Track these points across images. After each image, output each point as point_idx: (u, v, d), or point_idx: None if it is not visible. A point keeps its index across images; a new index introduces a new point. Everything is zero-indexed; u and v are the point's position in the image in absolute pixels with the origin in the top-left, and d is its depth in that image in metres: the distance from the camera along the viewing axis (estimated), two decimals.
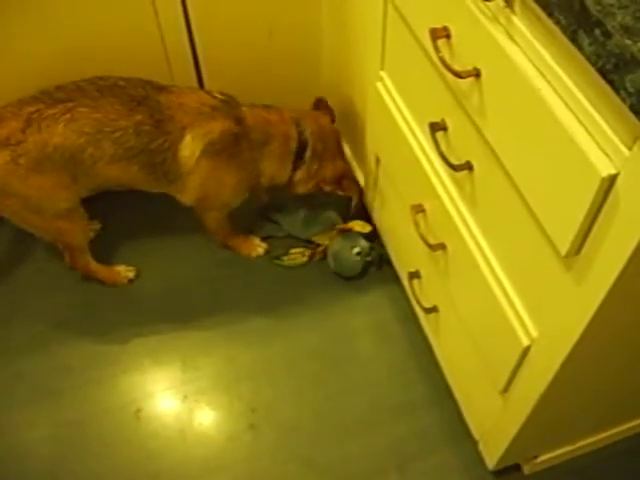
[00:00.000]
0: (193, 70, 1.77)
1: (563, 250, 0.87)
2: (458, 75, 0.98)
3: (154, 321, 1.79)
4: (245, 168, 1.61)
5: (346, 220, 1.87)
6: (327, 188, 1.75)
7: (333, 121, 1.78)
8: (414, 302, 1.58)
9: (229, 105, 1.56)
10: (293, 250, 1.88)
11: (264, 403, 1.65)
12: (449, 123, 1.15)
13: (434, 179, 1.27)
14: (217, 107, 1.54)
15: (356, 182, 1.81)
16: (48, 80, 1.50)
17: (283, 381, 1.69)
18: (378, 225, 1.83)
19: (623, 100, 0.68)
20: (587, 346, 0.96)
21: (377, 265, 1.85)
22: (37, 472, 1.55)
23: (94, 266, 1.80)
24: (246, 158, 1.59)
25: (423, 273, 1.51)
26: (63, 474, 1.55)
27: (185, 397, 1.67)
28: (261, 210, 1.94)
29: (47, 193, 1.53)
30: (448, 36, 1.02)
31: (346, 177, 1.76)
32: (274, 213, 1.93)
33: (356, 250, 1.77)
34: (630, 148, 0.72)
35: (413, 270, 1.53)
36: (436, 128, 1.17)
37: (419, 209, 1.36)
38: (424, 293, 1.53)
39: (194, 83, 1.80)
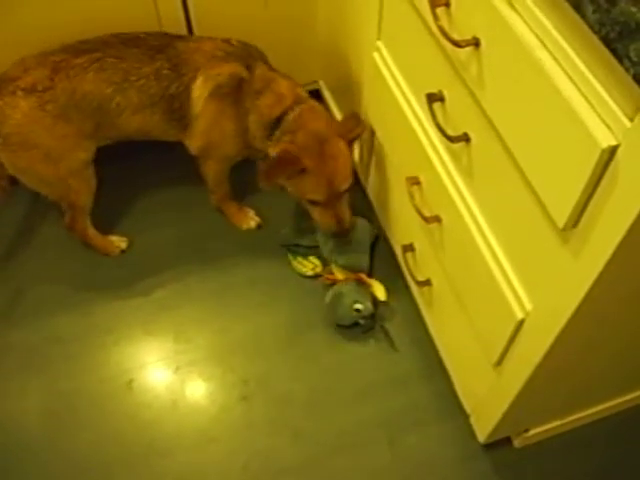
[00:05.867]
0: None
1: (560, 223, 0.86)
2: (457, 44, 0.96)
3: (146, 292, 1.78)
4: (243, 118, 1.59)
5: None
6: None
7: (350, 142, 1.57)
8: (408, 275, 1.57)
9: (245, 52, 1.57)
10: (310, 258, 1.82)
11: (257, 375, 1.65)
12: (446, 94, 1.14)
13: (430, 151, 1.26)
14: (231, 52, 1.55)
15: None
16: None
17: (276, 354, 1.68)
18: (372, 198, 1.82)
19: (626, 69, 0.67)
20: (582, 321, 0.96)
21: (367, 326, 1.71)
22: (27, 443, 1.55)
23: (91, 232, 1.79)
24: (245, 106, 1.58)
25: (417, 246, 1.50)
26: (53, 444, 1.55)
27: (177, 368, 1.66)
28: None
29: (70, 143, 1.54)
30: (447, 4, 1.00)
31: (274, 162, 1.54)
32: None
33: (358, 306, 1.65)
34: (632, 119, 0.71)
35: (407, 243, 1.53)
36: (433, 99, 1.15)
37: (414, 181, 1.35)
38: (418, 266, 1.52)
39: None
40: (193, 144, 1.65)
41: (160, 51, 1.53)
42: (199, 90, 1.53)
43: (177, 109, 1.56)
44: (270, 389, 1.63)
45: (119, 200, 1.93)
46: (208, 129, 1.60)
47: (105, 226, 1.84)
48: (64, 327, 1.71)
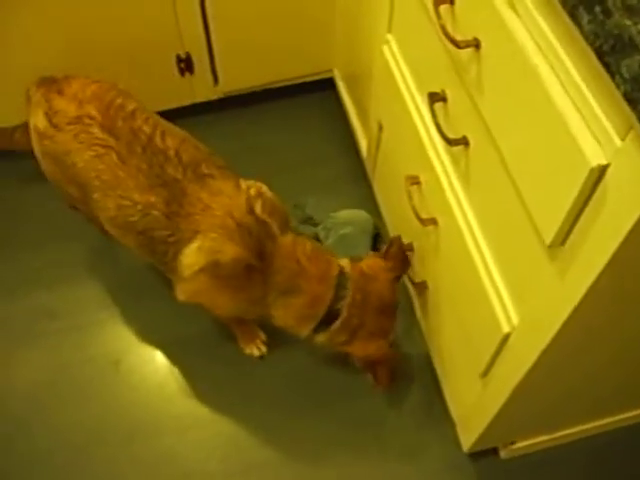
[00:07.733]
0: (202, 32, 1.71)
1: (547, 239, 0.83)
2: (456, 44, 0.92)
3: (142, 270, 1.75)
4: (251, 301, 1.33)
5: None
6: (355, 363, 1.46)
7: (399, 275, 1.44)
8: (404, 275, 1.53)
9: (262, 230, 1.26)
10: None
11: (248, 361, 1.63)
12: (449, 94, 1.10)
13: (431, 151, 1.22)
14: (245, 226, 1.24)
15: (391, 372, 1.45)
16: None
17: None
18: (377, 192, 1.78)
19: (617, 86, 0.63)
20: (566, 339, 0.92)
21: None
22: (10, 416, 1.56)
23: None
24: (255, 294, 1.31)
25: (415, 246, 1.46)
26: (37, 418, 1.55)
27: (166, 350, 1.65)
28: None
29: (58, 179, 1.41)
30: (452, 2, 0.96)
31: (381, 364, 1.41)
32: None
33: None
34: (623, 139, 0.67)
35: (406, 242, 1.49)
36: (435, 99, 1.11)
37: (414, 180, 1.31)
38: (415, 267, 1.49)
39: (203, 45, 1.74)
40: (179, 294, 1.38)
41: (165, 185, 1.25)
42: (191, 258, 1.26)
43: (159, 253, 1.30)
44: (259, 376, 1.61)
45: None
46: (195, 297, 1.36)
47: None
48: (57, 301, 1.71)
